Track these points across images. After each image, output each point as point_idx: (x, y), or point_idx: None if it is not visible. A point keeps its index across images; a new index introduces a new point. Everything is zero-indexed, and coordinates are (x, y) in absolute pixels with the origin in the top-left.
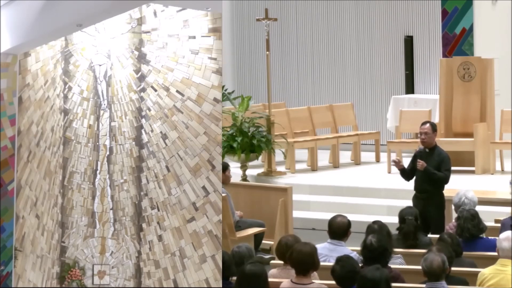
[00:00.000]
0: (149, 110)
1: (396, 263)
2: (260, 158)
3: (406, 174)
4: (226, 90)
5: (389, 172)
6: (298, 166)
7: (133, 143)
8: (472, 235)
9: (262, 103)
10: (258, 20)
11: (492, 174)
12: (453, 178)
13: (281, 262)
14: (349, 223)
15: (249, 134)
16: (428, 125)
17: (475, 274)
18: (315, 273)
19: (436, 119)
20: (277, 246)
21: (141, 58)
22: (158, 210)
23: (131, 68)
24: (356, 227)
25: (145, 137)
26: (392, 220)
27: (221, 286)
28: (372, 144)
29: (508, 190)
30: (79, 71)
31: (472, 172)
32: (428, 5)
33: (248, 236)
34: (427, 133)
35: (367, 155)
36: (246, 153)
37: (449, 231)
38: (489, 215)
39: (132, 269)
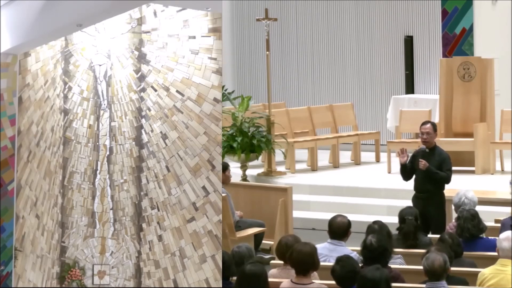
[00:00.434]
0: (149, 110)
1: (396, 263)
2: (260, 158)
3: (406, 172)
4: (226, 90)
5: (389, 172)
6: (298, 166)
7: (133, 143)
8: (472, 235)
9: (262, 103)
10: (258, 20)
11: (492, 174)
12: (453, 178)
13: (281, 262)
14: (349, 223)
15: (249, 134)
16: (429, 124)
17: (475, 274)
18: (315, 273)
19: (436, 119)
20: (277, 246)
21: (141, 58)
22: (158, 210)
23: (131, 68)
24: (356, 227)
25: (145, 137)
26: (392, 220)
27: (221, 286)
28: (372, 144)
29: (508, 190)
30: (79, 71)
31: (472, 172)
32: (428, 5)
33: (248, 236)
34: (429, 133)
35: (367, 155)
36: (246, 153)
37: (450, 231)
38: (489, 215)
39: (132, 269)
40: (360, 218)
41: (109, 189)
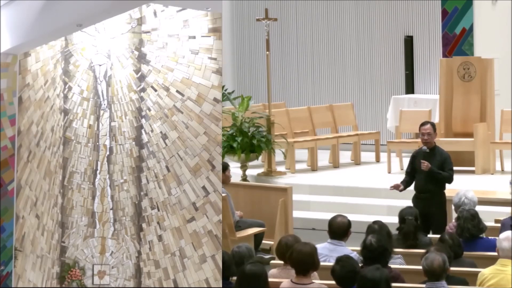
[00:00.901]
0: (149, 110)
1: (396, 263)
2: (260, 158)
3: (408, 182)
4: (226, 90)
5: (389, 172)
6: (298, 166)
7: (133, 143)
8: (472, 235)
9: (262, 103)
10: (258, 20)
11: (492, 174)
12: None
13: (281, 262)
14: (349, 223)
15: (249, 134)
16: (429, 125)
17: (475, 274)
18: (315, 273)
19: (436, 119)
20: (277, 246)
21: (141, 58)
22: (158, 210)
23: (131, 68)
24: (356, 227)
25: (145, 137)
26: (392, 220)
27: (221, 286)
28: (372, 144)
29: (508, 190)
30: (79, 71)
31: (472, 172)
32: (428, 5)
33: (248, 236)
34: (430, 133)
35: (367, 155)
36: (246, 153)
37: (450, 231)
38: (489, 215)
39: (132, 269)
40: (360, 218)
41: (109, 189)
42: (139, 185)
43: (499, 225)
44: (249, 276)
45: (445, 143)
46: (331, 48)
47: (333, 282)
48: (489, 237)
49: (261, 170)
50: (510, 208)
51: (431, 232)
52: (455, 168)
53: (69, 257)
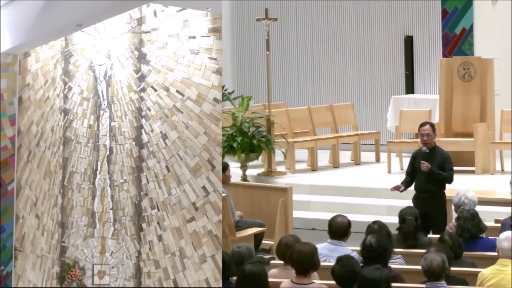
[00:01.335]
0: (149, 110)
1: (396, 263)
2: (260, 158)
3: (409, 183)
4: (226, 90)
5: (389, 172)
6: (298, 166)
7: (133, 143)
8: (472, 235)
9: (262, 103)
10: (258, 20)
11: (492, 174)
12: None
13: (281, 262)
14: (349, 223)
15: (249, 134)
16: (428, 126)
17: (475, 274)
18: (315, 273)
19: (436, 119)
20: (277, 246)
21: (141, 58)
22: (158, 210)
23: (131, 68)
24: (356, 227)
25: (145, 137)
26: (392, 220)
27: (221, 286)
28: (372, 144)
29: (508, 190)
30: (79, 71)
31: (472, 172)
32: (428, 5)
33: (248, 236)
34: (429, 134)
35: (367, 155)
36: (246, 153)
37: (450, 232)
38: (489, 215)
39: (132, 269)
40: (360, 218)
41: (109, 189)
42: (139, 185)
43: (499, 225)
44: (249, 276)
45: (445, 143)
46: (331, 48)
47: (333, 282)
48: (489, 237)
49: (261, 170)
50: (510, 208)
51: (431, 232)
52: (455, 168)
53: (69, 257)
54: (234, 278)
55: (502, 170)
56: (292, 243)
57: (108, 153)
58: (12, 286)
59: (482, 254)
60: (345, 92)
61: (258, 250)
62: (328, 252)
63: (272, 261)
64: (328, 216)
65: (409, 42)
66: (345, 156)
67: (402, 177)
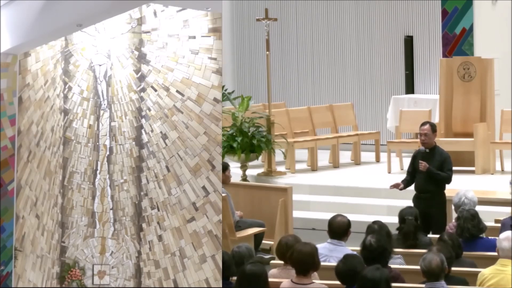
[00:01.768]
0: (149, 110)
1: (396, 263)
2: (260, 158)
3: (409, 182)
4: (226, 90)
5: (389, 172)
6: (298, 166)
7: (133, 143)
8: (472, 235)
9: (262, 103)
10: (258, 20)
11: (492, 174)
12: (453, 178)
13: (281, 262)
14: (349, 223)
15: (249, 134)
16: (427, 125)
17: (475, 274)
18: (315, 273)
19: (436, 119)
20: (277, 246)
21: (141, 58)
22: (158, 210)
23: (131, 68)
24: (356, 227)
25: (145, 137)
26: (392, 220)
27: (221, 286)
28: (372, 144)
29: (508, 190)
30: (79, 71)
31: (472, 172)
32: (428, 5)
33: (248, 236)
34: (427, 134)
35: (367, 155)
36: (246, 153)
37: (450, 232)
38: (489, 215)
39: (132, 269)
40: (360, 218)
41: (109, 189)
42: (139, 185)
43: (499, 225)
44: (249, 276)
45: (445, 143)
46: (331, 48)
47: (333, 282)
48: (489, 237)
49: (261, 170)
50: (510, 208)
51: (431, 232)
52: (455, 168)
53: (69, 257)
54: (234, 278)
55: (502, 170)
56: (292, 243)
57: (108, 153)
58: (12, 286)
59: (482, 254)
60: (345, 92)
61: (258, 250)
62: (328, 252)
63: (272, 261)
64: (328, 216)
65: (409, 42)
66: (345, 156)
67: (402, 177)
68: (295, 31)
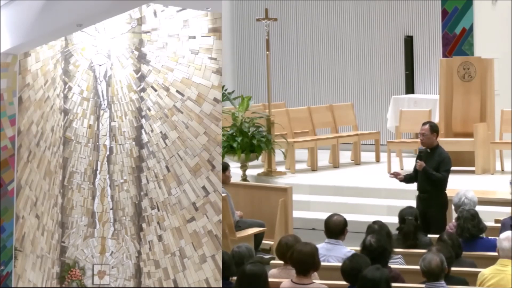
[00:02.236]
0: (149, 110)
1: (396, 263)
2: (260, 158)
3: (412, 178)
4: (226, 90)
5: (389, 172)
6: (298, 166)
7: (133, 143)
8: (472, 235)
9: (262, 103)
10: (258, 20)
11: (492, 174)
12: (453, 178)
13: (281, 262)
14: (345, 222)
15: (249, 134)
16: (427, 126)
17: (475, 274)
18: (315, 273)
19: (436, 119)
20: (277, 246)
21: (141, 58)
22: (158, 210)
23: (131, 68)
24: (356, 227)
25: (145, 137)
26: (392, 220)
27: (221, 286)
28: (372, 144)
29: (508, 190)
30: (79, 71)
31: (472, 172)
32: (428, 5)
33: (248, 236)
34: (425, 134)
35: (367, 155)
36: (246, 153)
37: (450, 232)
38: (489, 215)
39: (132, 269)
40: (360, 218)
41: (109, 189)
42: (139, 185)
43: (499, 225)
44: (249, 276)
45: (445, 143)
46: (331, 48)
47: (333, 282)
48: (489, 237)
49: (261, 170)
50: (510, 208)
51: (431, 232)
52: (455, 168)
53: (69, 257)
54: (234, 278)
55: (502, 170)
56: (292, 243)
57: (108, 153)
58: (12, 286)
59: (482, 254)
60: (345, 92)
61: (258, 250)
62: (326, 252)
63: (272, 261)
64: None
65: (409, 42)
66: (345, 156)
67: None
68: (295, 31)
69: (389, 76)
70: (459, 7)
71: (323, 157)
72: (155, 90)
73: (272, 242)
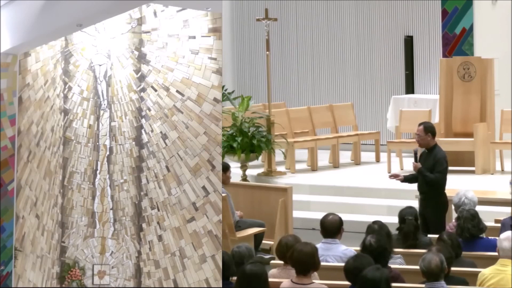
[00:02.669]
0: (149, 110)
1: (396, 263)
2: (260, 158)
3: (414, 178)
4: (226, 90)
5: (389, 172)
6: (298, 166)
7: (133, 143)
8: (472, 235)
9: (262, 103)
10: (258, 20)
11: (492, 174)
12: (453, 178)
13: (281, 262)
14: (340, 221)
15: (249, 134)
16: (421, 126)
17: (475, 274)
18: (315, 273)
19: (436, 119)
20: (277, 246)
21: (141, 58)
22: (158, 210)
23: (131, 68)
24: (356, 227)
25: (145, 137)
26: (392, 220)
27: (221, 286)
28: (372, 144)
29: (508, 190)
30: (79, 71)
31: (472, 172)
32: (428, 5)
33: (248, 236)
34: (420, 134)
35: (367, 155)
36: (246, 153)
37: (449, 231)
38: (489, 215)
39: (132, 269)
40: (360, 218)
41: (109, 189)
42: (139, 185)
43: (499, 225)
44: (249, 276)
45: (445, 143)
46: (331, 48)
47: (333, 282)
48: (489, 237)
49: (261, 170)
50: (510, 208)
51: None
52: (455, 168)
53: (69, 257)
54: (234, 278)
55: (502, 170)
56: (292, 243)
57: (108, 153)
58: (12, 286)
59: (482, 254)
60: (345, 92)
61: (258, 250)
62: (323, 251)
63: (272, 261)
64: None
65: (409, 42)
66: (345, 156)
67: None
68: (295, 31)
69: (389, 76)
70: (459, 7)
71: (323, 157)
72: (155, 90)
73: (272, 242)
